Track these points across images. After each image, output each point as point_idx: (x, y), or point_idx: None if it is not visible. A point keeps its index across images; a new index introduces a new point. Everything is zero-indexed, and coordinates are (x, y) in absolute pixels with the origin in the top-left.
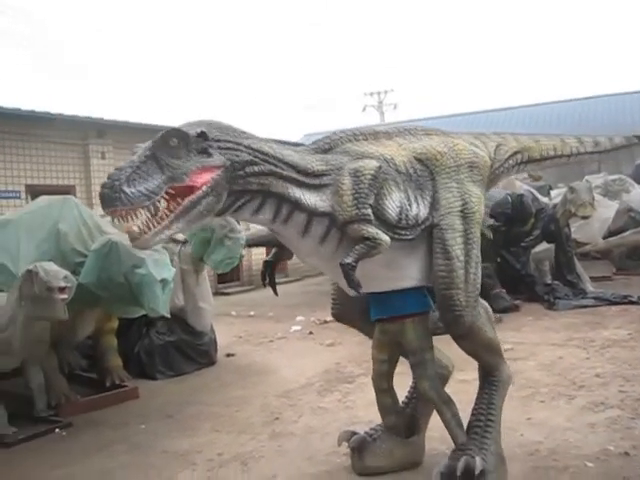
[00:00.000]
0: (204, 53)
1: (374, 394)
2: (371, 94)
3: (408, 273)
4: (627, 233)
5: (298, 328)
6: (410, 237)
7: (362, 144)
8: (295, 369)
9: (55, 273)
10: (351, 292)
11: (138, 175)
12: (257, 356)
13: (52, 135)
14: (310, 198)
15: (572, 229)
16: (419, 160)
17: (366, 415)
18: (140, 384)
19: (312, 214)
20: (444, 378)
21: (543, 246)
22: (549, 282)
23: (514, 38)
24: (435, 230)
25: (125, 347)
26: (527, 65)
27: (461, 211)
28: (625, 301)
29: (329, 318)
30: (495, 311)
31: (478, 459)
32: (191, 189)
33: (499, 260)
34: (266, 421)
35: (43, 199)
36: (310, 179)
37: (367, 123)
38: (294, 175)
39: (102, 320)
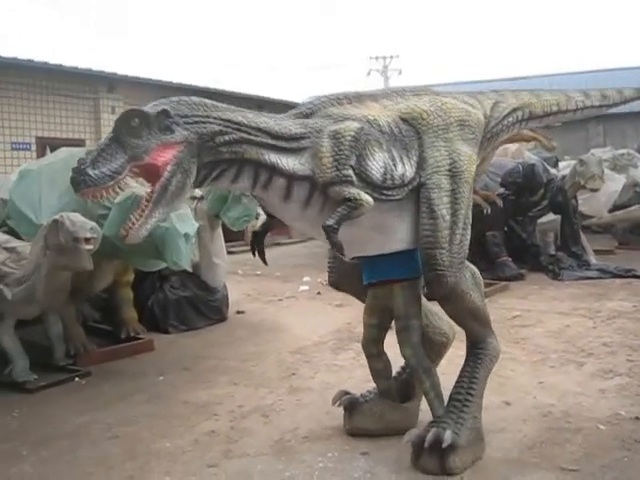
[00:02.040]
0: (220, 14)
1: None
2: (376, 58)
3: (399, 236)
4: (633, 208)
5: (306, 288)
6: (398, 197)
7: (345, 107)
8: (307, 327)
9: (82, 224)
10: (339, 255)
11: (102, 157)
12: (267, 314)
13: (64, 88)
14: (288, 162)
15: (579, 201)
16: (404, 120)
17: None
18: (154, 337)
19: (291, 178)
20: (443, 345)
21: (549, 217)
22: (553, 253)
23: (529, 4)
24: (422, 190)
25: (139, 300)
26: (543, 33)
27: (449, 170)
28: (629, 275)
29: None
30: (501, 279)
31: (448, 432)
32: (155, 167)
33: (506, 229)
34: (283, 376)
35: (63, 150)
36: (287, 143)
37: (371, 87)
38: (268, 141)
39: (120, 273)
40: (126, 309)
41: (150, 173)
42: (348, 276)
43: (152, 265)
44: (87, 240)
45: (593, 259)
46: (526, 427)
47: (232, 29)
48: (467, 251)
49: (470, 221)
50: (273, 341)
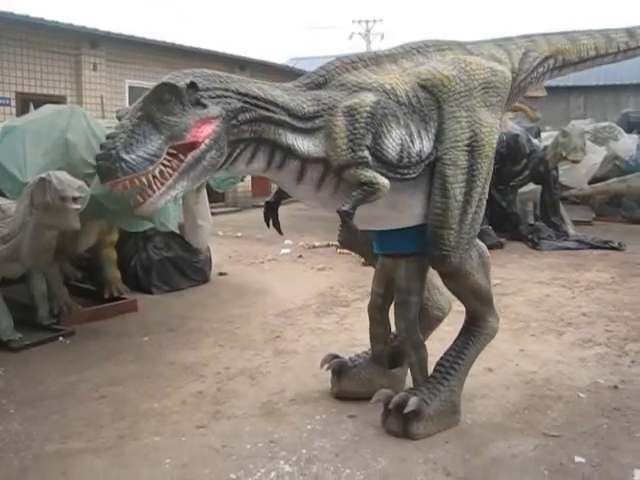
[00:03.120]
0: None
1: None
2: (359, 22)
3: (414, 212)
4: (612, 180)
5: (287, 251)
6: (414, 175)
7: (361, 73)
8: (290, 290)
9: (69, 182)
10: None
11: (135, 139)
12: (250, 276)
13: (45, 43)
14: (303, 144)
15: (560, 172)
16: (423, 87)
17: (365, 338)
18: (137, 297)
19: (306, 160)
20: (438, 319)
21: (529, 187)
22: (532, 222)
23: None
24: (437, 164)
25: (122, 260)
26: None
27: (468, 145)
28: (606, 246)
29: (317, 243)
30: None
31: (414, 399)
32: (193, 145)
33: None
34: (268, 339)
35: (49, 107)
36: (302, 123)
37: (353, 51)
38: (286, 118)
39: (104, 232)
40: (109, 269)
41: (186, 150)
42: (359, 238)
43: (138, 226)
44: (75, 199)
45: (571, 230)
46: (509, 393)
47: None
48: (478, 229)
49: (486, 196)
50: (257, 304)
